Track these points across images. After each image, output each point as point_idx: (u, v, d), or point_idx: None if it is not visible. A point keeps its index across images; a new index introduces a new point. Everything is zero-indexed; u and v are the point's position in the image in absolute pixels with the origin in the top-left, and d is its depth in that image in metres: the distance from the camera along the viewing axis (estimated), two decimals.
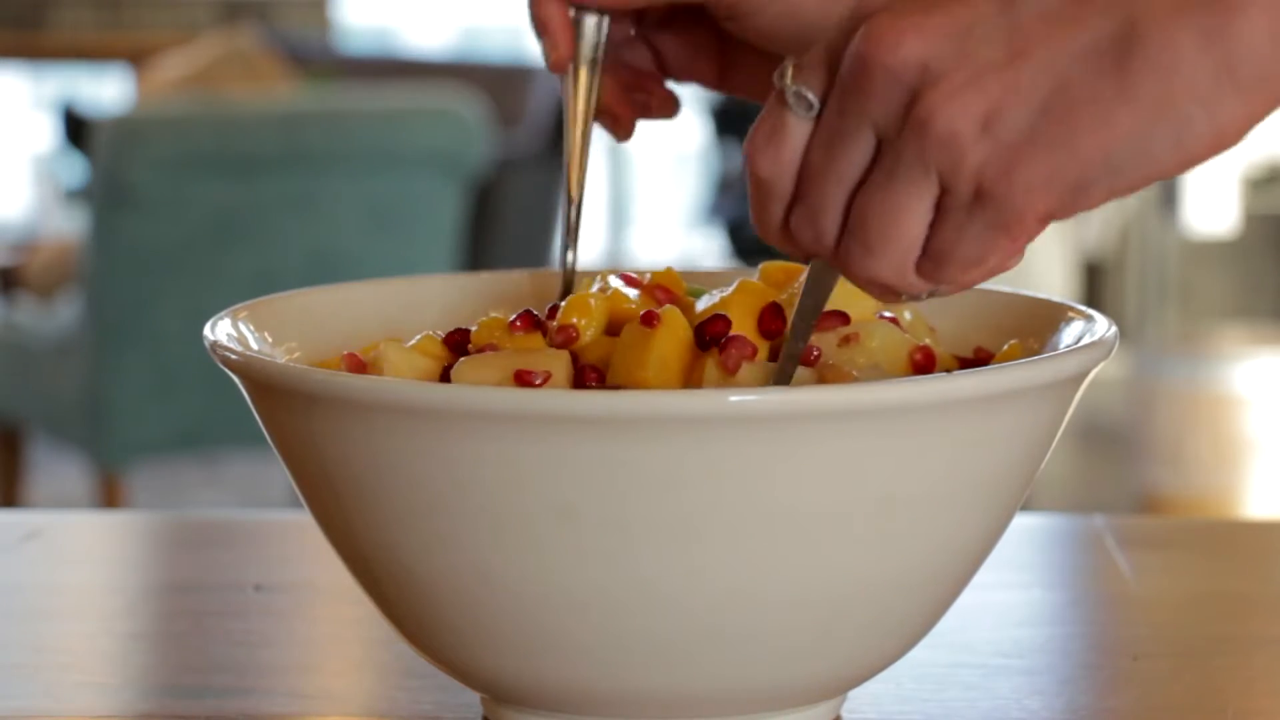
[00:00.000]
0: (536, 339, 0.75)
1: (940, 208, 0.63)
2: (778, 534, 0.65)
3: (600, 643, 0.67)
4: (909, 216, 0.63)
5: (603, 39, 0.82)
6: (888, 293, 0.65)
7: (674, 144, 6.33)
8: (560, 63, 0.82)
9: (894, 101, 0.62)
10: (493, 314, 0.77)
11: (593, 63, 0.82)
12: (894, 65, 0.62)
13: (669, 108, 0.86)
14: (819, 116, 0.64)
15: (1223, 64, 0.61)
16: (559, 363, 0.72)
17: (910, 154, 0.62)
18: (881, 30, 0.62)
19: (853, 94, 0.63)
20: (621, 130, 0.85)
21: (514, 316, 0.76)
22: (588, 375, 0.72)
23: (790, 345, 0.70)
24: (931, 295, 0.66)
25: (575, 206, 0.83)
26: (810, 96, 0.64)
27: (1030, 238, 0.64)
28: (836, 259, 0.65)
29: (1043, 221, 0.63)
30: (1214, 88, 0.61)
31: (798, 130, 0.64)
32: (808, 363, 0.72)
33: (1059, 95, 0.61)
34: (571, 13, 0.81)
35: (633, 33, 0.85)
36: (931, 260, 0.64)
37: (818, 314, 0.69)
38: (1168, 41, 0.61)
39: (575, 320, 0.74)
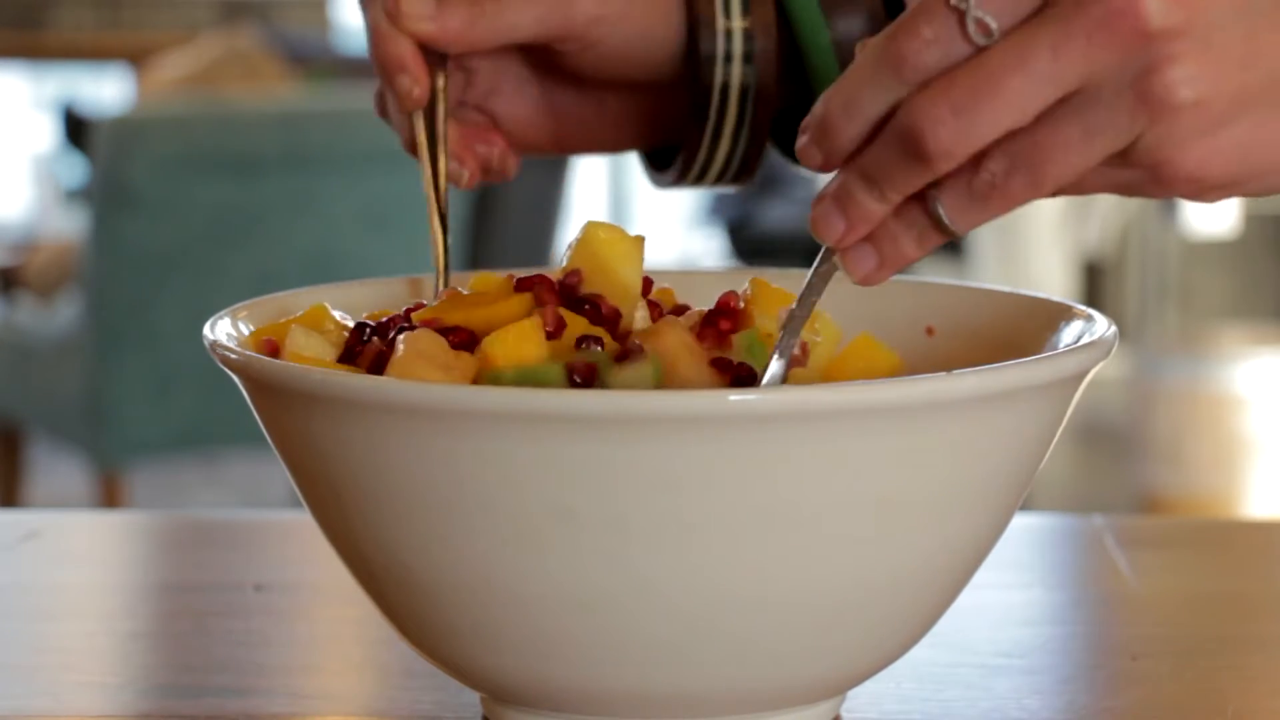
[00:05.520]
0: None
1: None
2: (777, 534, 0.65)
3: (600, 643, 0.67)
4: (1088, 165, 0.63)
5: (446, 78, 0.84)
6: (970, 218, 0.64)
7: None
8: (423, 97, 0.83)
9: (1135, 63, 0.61)
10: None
11: (441, 99, 0.84)
12: (1151, 30, 0.61)
13: (507, 164, 0.87)
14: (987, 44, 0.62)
15: None
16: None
17: (1124, 118, 0.62)
18: None
19: (1089, 44, 0.61)
20: (466, 176, 0.86)
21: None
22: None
23: (784, 342, 0.70)
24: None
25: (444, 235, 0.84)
26: (992, 25, 0.62)
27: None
28: (930, 170, 0.63)
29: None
30: None
31: (957, 49, 0.62)
32: (797, 362, 0.73)
33: (1270, 107, 0.63)
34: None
35: (464, 99, 0.87)
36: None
37: (810, 312, 0.70)
38: None
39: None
